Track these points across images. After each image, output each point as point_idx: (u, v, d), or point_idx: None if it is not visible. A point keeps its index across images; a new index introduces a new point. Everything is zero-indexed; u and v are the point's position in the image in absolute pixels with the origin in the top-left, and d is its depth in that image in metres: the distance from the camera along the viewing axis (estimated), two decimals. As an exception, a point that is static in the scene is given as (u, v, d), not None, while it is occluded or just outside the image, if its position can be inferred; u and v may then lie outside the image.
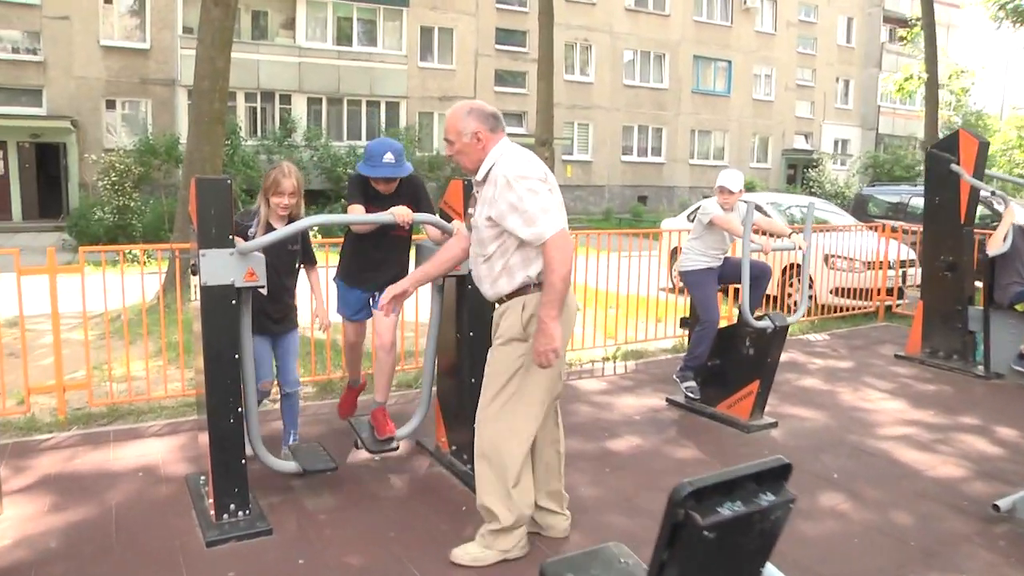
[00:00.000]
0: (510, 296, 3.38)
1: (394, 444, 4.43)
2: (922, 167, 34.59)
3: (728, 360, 5.70)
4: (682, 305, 8.72)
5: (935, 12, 20.35)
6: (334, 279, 4.64)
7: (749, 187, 32.58)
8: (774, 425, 5.58)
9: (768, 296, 7.52)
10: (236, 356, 3.53)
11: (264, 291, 3.92)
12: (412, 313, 6.70)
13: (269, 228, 4.21)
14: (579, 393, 6.30)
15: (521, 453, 3.42)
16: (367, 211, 4.23)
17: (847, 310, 9.91)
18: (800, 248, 5.56)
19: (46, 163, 24.15)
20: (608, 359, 7.52)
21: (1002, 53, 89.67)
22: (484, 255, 3.37)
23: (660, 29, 33.24)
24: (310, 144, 24.75)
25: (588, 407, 5.93)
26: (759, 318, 5.40)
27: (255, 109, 25.24)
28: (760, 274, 5.75)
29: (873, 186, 17.13)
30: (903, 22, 40.70)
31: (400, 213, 3.92)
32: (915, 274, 10.54)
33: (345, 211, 4.25)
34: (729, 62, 35.50)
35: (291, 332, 4.58)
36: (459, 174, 25.52)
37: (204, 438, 3.67)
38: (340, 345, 6.91)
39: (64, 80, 23.20)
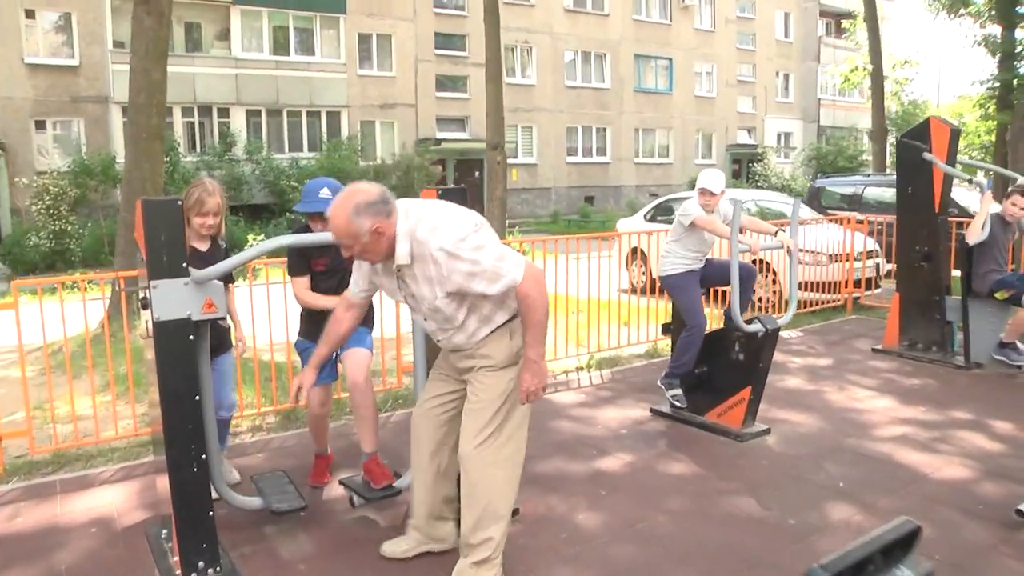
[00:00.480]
0: (490, 334, 3.21)
1: (395, 488, 4.03)
2: (864, 157, 35.23)
3: (717, 366, 5.45)
4: (652, 307, 8.53)
5: (869, 4, 20.51)
6: (296, 343, 4.33)
7: (695, 184, 32.65)
8: (767, 432, 5.34)
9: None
10: (197, 397, 3.13)
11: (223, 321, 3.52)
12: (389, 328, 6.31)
13: (193, 251, 3.96)
14: (558, 408, 5.98)
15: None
16: (315, 265, 4.13)
17: (815, 304, 9.78)
18: (788, 247, 5.33)
19: (-26, 189, 23.05)
20: (583, 368, 7.23)
21: (934, 43, 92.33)
22: (454, 326, 3.15)
23: (600, 29, 33.19)
24: (251, 158, 24.06)
25: (569, 423, 5.62)
26: (748, 321, 5.16)
27: (193, 124, 24.44)
28: (747, 276, 5.51)
29: (826, 177, 17.16)
30: (839, 16, 41.63)
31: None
32: (880, 265, 10.52)
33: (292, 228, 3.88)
34: (670, 60, 35.62)
35: (225, 354, 4.26)
36: (411, 181, 25.25)
37: (163, 482, 3.26)
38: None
39: (-12, 101, 22.18)
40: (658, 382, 5.71)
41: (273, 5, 25.07)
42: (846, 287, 9.96)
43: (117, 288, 8.11)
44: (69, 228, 18.92)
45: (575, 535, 3.83)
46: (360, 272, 3.31)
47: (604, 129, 34.07)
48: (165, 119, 9.26)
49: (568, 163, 32.97)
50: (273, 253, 3.39)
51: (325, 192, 3.98)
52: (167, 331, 3.06)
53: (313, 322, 4.10)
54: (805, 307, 9.65)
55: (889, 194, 14.38)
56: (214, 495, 3.39)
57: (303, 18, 25.87)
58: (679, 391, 5.58)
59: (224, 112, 24.74)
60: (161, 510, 3.84)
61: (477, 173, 29.89)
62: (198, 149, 24.27)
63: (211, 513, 3.27)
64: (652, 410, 5.82)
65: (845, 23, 32.60)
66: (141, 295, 3.14)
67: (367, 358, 4.11)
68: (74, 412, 5.21)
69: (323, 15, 26.12)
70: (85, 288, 5.79)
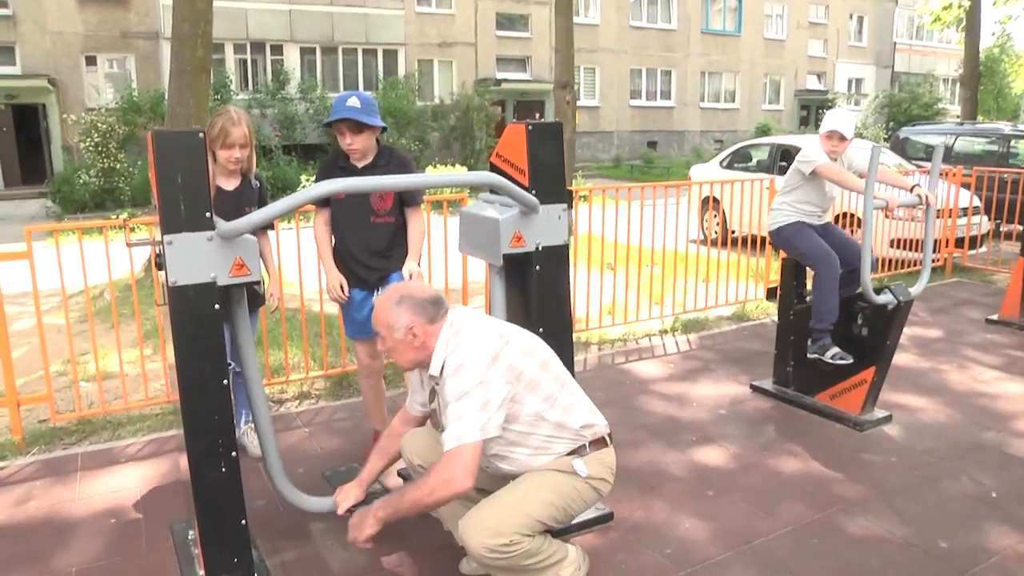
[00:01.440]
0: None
1: None
2: (941, 105, 33.24)
3: (835, 343, 4.66)
4: (733, 261, 7.70)
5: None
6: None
7: (764, 130, 31.42)
8: (888, 419, 4.58)
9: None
10: (224, 383, 2.48)
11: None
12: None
13: (218, 191, 3.48)
14: (643, 381, 5.27)
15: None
16: (333, 209, 3.65)
17: (911, 264, 8.85)
18: (928, 203, 4.47)
19: (26, 126, 22.81)
20: (666, 332, 6.49)
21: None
22: (493, 454, 2.75)
23: (667, -32, 31.71)
24: (305, 96, 23.30)
25: (660, 401, 4.90)
26: (876, 292, 4.35)
27: (245, 61, 23.82)
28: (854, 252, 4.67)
29: (912, 126, 15.92)
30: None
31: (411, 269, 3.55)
32: (980, 223, 9.51)
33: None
34: (739, 0, 33.93)
35: (256, 311, 3.83)
36: (470, 122, 24.35)
37: (185, 463, 2.65)
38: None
39: (38, 36, 21.78)
40: (808, 353, 4.79)
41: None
42: (946, 247, 9.01)
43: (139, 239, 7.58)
44: (118, 166, 18.48)
45: (682, 551, 3.15)
46: (416, 383, 2.97)
47: (669, 72, 32.79)
48: (211, 52, 8.53)
49: (631, 106, 31.82)
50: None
51: (353, 101, 3.48)
52: (185, 299, 2.40)
53: (343, 264, 3.70)
54: (900, 268, 8.74)
55: (982, 145, 13.29)
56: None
57: (358, -47, 24.91)
58: (836, 349, 4.65)
59: (277, 49, 24.04)
60: (185, 498, 3.24)
61: (538, 115, 29.02)
62: (250, 87, 23.67)
63: (243, 521, 2.65)
64: (752, 386, 5.08)
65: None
66: (156, 251, 2.48)
67: None
68: (99, 372, 4.64)
69: (376, -50, 25.14)
70: (133, 228, 5.19)
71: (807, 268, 4.87)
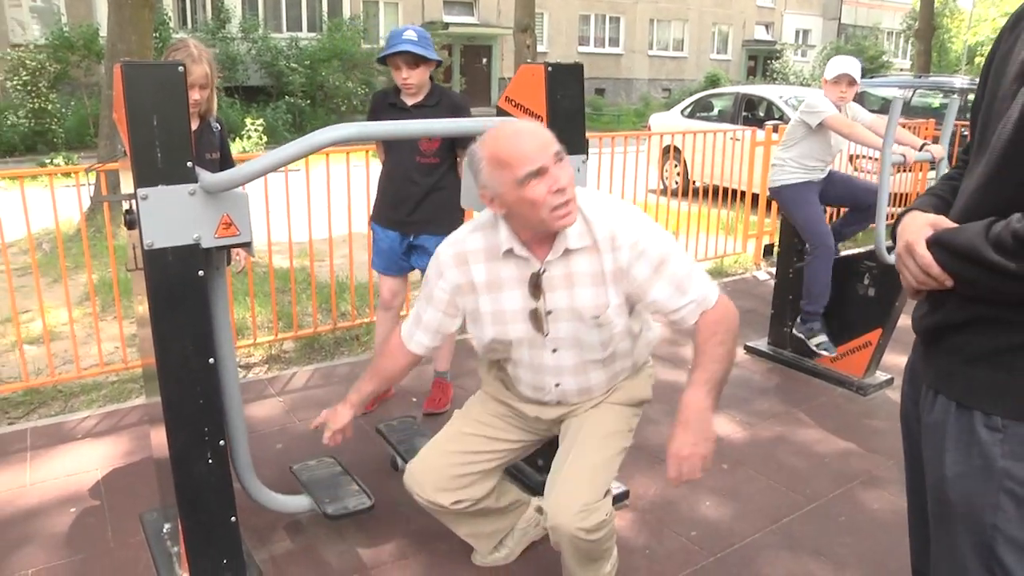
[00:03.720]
0: None
1: None
2: (886, 59, 33.79)
3: (837, 303, 4.45)
4: (703, 213, 7.44)
5: None
6: (370, 223, 3.83)
7: (713, 80, 31.26)
8: (890, 383, 4.42)
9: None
10: (211, 361, 2.12)
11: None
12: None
13: None
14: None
15: None
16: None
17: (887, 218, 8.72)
18: (938, 158, 4.26)
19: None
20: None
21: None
22: (595, 359, 2.25)
23: (619, -91, 30.98)
24: (247, 36, 22.13)
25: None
26: (889, 250, 4.13)
27: (183, -3, 22.63)
28: (873, 198, 4.45)
29: (869, 79, 15.82)
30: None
31: None
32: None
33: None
34: (690, -52, 33.50)
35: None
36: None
37: (159, 439, 2.27)
38: (322, 276, 5.54)
39: (-45, -36, 20.28)
40: (794, 331, 4.61)
41: None
42: (913, 196, 8.92)
43: (91, 182, 7.01)
44: (50, 107, 17.35)
45: (709, 534, 2.91)
46: (431, 314, 2.28)
47: (618, 19, 32.25)
48: (153, -17, 7.91)
49: (580, 53, 31.21)
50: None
51: (410, 34, 3.37)
52: (163, 264, 2.01)
53: (382, 199, 3.66)
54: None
55: (940, 99, 13.28)
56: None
57: None
58: (824, 337, 4.50)
59: (217, -15, 22.85)
60: (158, 484, 2.86)
61: (485, 60, 28.29)
62: (189, 25, 22.48)
63: (233, 518, 2.31)
64: (747, 347, 4.86)
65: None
66: (124, 207, 2.07)
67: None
68: (46, 333, 4.18)
69: None
70: (70, 174, 4.66)
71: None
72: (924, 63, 18.85)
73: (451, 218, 3.42)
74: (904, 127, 8.35)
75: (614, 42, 32.47)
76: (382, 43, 24.45)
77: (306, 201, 4.56)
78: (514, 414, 2.42)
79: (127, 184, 2.07)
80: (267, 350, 4.65)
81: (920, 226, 1.43)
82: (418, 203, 3.50)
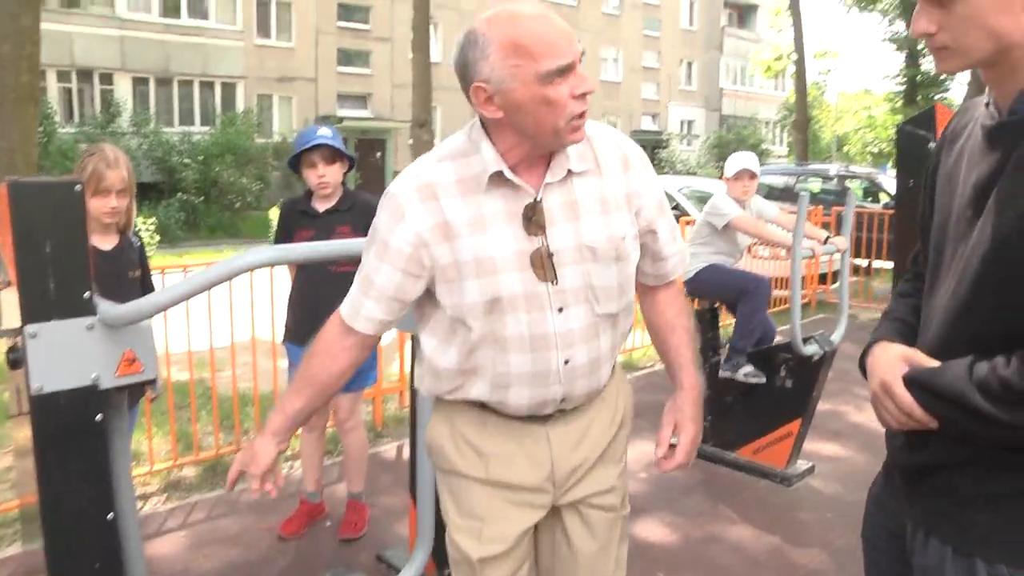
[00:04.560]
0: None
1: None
2: (765, 146, 36.00)
3: (757, 395, 4.45)
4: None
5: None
6: (283, 343, 3.57)
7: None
8: (812, 471, 4.43)
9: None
10: (109, 518, 1.87)
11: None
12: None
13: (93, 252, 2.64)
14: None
15: None
16: (297, 239, 3.26)
17: (779, 303, 9.00)
18: (842, 250, 4.39)
19: None
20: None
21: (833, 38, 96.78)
22: (610, 312, 1.72)
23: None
24: (138, 131, 21.62)
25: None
26: (804, 341, 4.18)
27: (70, 90, 21.91)
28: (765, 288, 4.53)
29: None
30: (742, 7, 41.96)
31: None
32: (837, 258, 9.89)
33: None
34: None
35: (136, 406, 3.06)
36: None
37: None
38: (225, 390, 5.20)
39: None
40: (721, 372, 4.51)
41: (163, -41, 22.80)
42: (811, 283, 9.26)
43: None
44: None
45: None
46: (386, 275, 1.66)
47: (511, 111, 33.04)
48: (39, 77, 7.59)
49: (474, 145, 31.80)
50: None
51: (324, 130, 3.29)
52: (55, 410, 1.77)
53: (298, 315, 3.44)
54: (773, 305, 8.86)
55: (820, 185, 14.06)
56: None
57: (196, -23, 23.68)
58: (751, 367, 4.40)
59: (107, 78, 22.31)
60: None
61: (379, 154, 28.44)
62: (76, 119, 21.80)
63: None
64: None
65: (765, 8, 32.73)
66: (9, 345, 1.84)
67: (359, 397, 3.66)
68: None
69: (217, -26, 24.00)
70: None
71: (718, 316, 4.70)
72: (802, 151, 20.04)
73: None
74: (792, 214, 8.81)
75: (510, 133, 33.24)
76: (276, 137, 24.43)
77: (206, 306, 4.30)
78: (503, 487, 1.76)
79: (10, 317, 1.84)
80: (165, 477, 4.27)
81: (893, 361, 1.37)
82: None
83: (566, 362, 1.66)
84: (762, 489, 4.22)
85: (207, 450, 4.49)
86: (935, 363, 1.32)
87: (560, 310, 1.64)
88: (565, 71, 1.50)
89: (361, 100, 28.30)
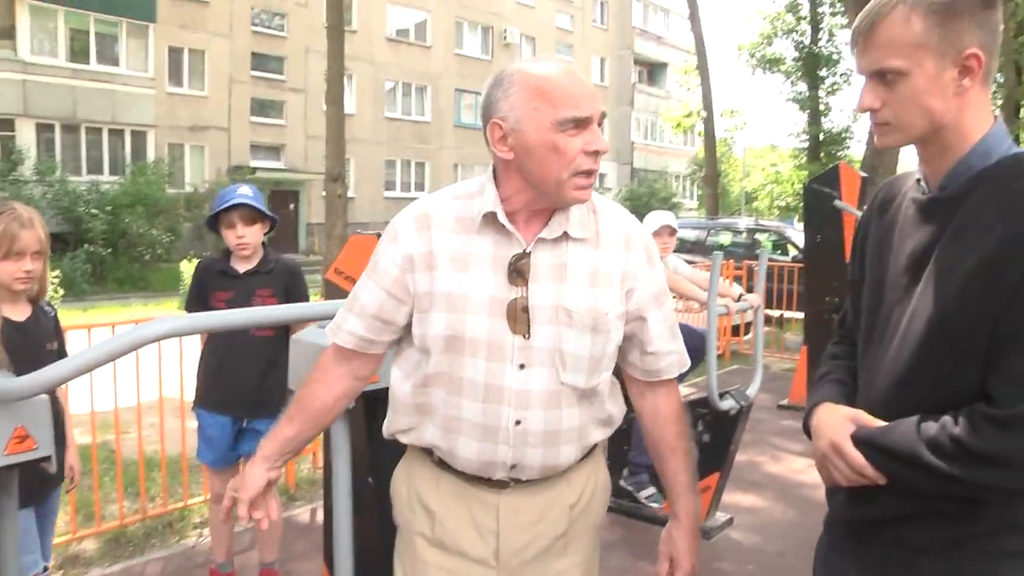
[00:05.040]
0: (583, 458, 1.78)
1: None
2: (677, 200, 37.18)
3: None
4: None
5: (685, 57, 21.13)
6: (193, 408, 3.40)
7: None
8: (731, 522, 4.49)
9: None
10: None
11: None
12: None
13: (4, 324, 2.47)
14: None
15: None
16: (214, 301, 3.20)
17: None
18: (755, 306, 4.50)
19: None
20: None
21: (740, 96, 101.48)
22: (576, 384, 1.66)
23: (422, 60, 32.40)
24: (42, 179, 20.72)
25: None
26: (720, 396, 4.25)
27: (-34, 137, 21.06)
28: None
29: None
30: (652, 64, 43.42)
31: None
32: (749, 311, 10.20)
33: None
34: (491, 96, 35.44)
35: (53, 491, 2.82)
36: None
37: None
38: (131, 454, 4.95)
39: None
40: (622, 483, 4.58)
41: (70, 4, 22.07)
42: (724, 335, 9.48)
43: None
44: None
45: None
46: (371, 293, 1.69)
47: (423, 163, 33.12)
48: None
49: (386, 197, 31.64)
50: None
51: (244, 189, 3.23)
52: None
53: (209, 381, 3.32)
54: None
55: (730, 238, 14.53)
56: None
57: (106, 23, 23.05)
58: (652, 489, 4.50)
59: (8, 124, 21.36)
60: None
61: (292, 205, 28.09)
62: (-27, 167, 20.88)
63: None
64: (586, 500, 4.78)
65: (680, 65, 33.90)
66: None
67: None
68: None
69: (130, 21, 23.39)
70: None
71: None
72: (712, 205, 20.69)
73: (283, 399, 3.18)
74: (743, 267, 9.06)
75: (420, 186, 33.05)
76: (188, 188, 23.90)
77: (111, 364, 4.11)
78: (445, 550, 1.72)
79: None
80: (62, 552, 4.00)
81: (841, 422, 1.44)
82: (256, 383, 3.20)
83: (517, 422, 1.62)
84: (682, 543, 4.24)
85: (110, 520, 4.25)
86: (881, 423, 1.39)
87: (522, 367, 1.61)
88: (581, 123, 1.53)
89: (274, 151, 27.99)
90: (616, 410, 1.78)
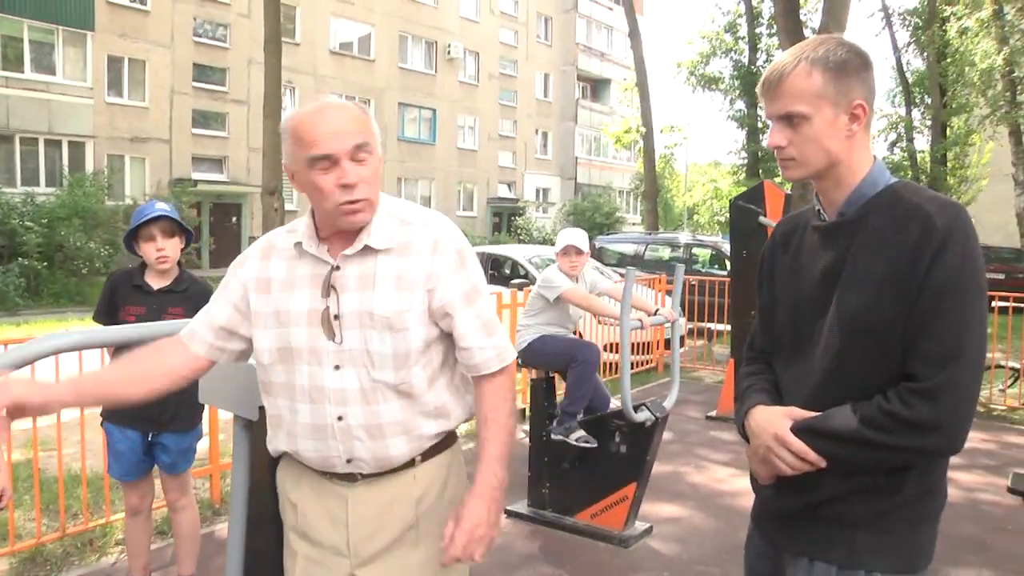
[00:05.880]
0: (429, 454, 1.92)
1: None
2: (620, 215, 37.65)
3: (592, 461, 4.61)
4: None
5: (628, 74, 21.48)
6: (101, 423, 3.41)
7: (463, 236, 32.45)
8: (650, 531, 4.61)
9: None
10: None
11: None
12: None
13: None
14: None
15: None
16: (124, 315, 3.21)
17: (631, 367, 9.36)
18: (671, 320, 4.66)
19: None
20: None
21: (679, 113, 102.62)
22: (387, 381, 1.82)
23: (365, 74, 32.29)
24: (-26, 191, 20.22)
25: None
26: (635, 408, 4.39)
27: None
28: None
29: (607, 235, 17.33)
30: (595, 81, 43.91)
31: None
32: (682, 324, 10.41)
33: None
34: (434, 111, 35.38)
35: None
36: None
37: None
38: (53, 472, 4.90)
39: None
40: (552, 435, 4.64)
41: (2, 10, 21.53)
42: (657, 348, 9.68)
43: None
44: None
45: None
46: (220, 306, 1.92)
47: (367, 177, 32.94)
48: None
49: (329, 211, 31.46)
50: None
51: (162, 204, 3.28)
52: None
53: None
54: (615, 371, 9.18)
55: (668, 253, 14.82)
56: None
57: (41, 30, 22.50)
58: (582, 432, 4.55)
59: (-63, 133, 20.84)
60: None
61: (235, 218, 27.75)
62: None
63: None
64: (507, 511, 4.87)
65: (624, 82, 34.30)
66: None
67: (186, 477, 3.54)
68: None
69: (66, 30, 22.87)
70: None
71: (554, 386, 4.87)
72: (652, 221, 21.05)
73: (192, 415, 3.23)
74: (651, 283, 9.24)
75: (363, 200, 33.04)
76: (128, 200, 23.43)
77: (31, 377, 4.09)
78: (306, 539, 1.93)
79: None
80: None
81: (778, 417, 1.65)
82: (164, 399, 3.19)
83: (339, 419, 1.80)
84: (601, 552, 4.35)
85: (27, 538, 4.19)
86: (815, 414, 1.61)
87: (336, 367, 1.80)
88: (328, 160, 1.71)
89: (217, 163, 27.62)
90: (450, 399, 1.91)
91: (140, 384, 1.88)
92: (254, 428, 2.18)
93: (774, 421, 1.64)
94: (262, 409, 2.03)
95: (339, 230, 1.80)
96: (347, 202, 1.72)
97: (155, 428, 3.27)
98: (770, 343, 1.82)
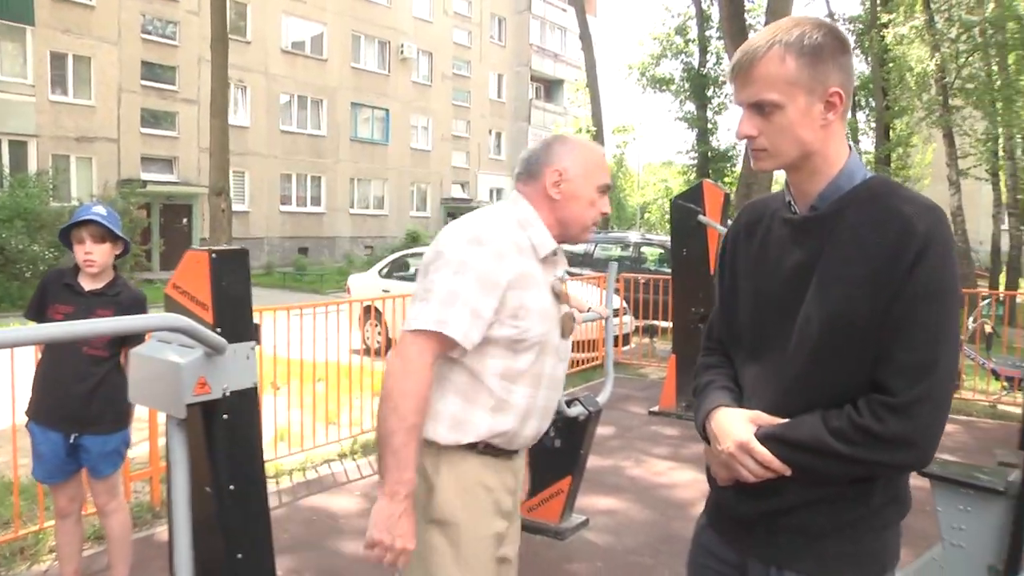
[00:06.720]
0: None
1: None
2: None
3: (528, 455, 4.68)
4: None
5: (581, 75, 21.62)
6: (26, 424, 3.35)
7: (413, 236, 32.49)
8: (586, 523, 4.73)
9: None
10: None
11: None
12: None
13: None
14: (332, 516, 4.89)
15: None
16: (52, 312, 3.20)
17: (576, 364, 9.50)
18: (603, 316, 4.76)
19: None
20: (345, 456, 6.13)
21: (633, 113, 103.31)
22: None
23: (318, 74, 32.00)
24: (-94, 192, 19.63)
25: (353, 540, 4.46)
26: (567, 403, 4.49)
27: None
28: None
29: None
30: (548, 81, 44.12)
31: None
32: (629, 322, 10.59)
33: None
34: (387, 111, 35.18)
35: None
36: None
37: None
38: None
39: None
40: None
41: (-64, 4, 21.00)
42: (603, 346, 9.82)
43: None
44: None
45: None
46: (489, 304, 2.01)
47: (319, 178, 32.50)
48: None
49: (282, 212, 31.01)
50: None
51: (99, 208, 3.28)
52: None
53: (41, 393, 3.30)
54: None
55: (618, 251, 14.97)
56: None
57: (-24, 24, 21.88)
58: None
59: None
60: None
61: (185, 220, 27.32)
62: None
63: None
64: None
65: (570, 84, 34.59)
66: None
67: (116, 479, 3.48)
68: None
69: (4, 24, 22.24)
70: None
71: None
72: (604, 219, 21.25)
73: (116, 417, 3.24)
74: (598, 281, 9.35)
75: (316, 201, 32.50)
76: (74, 201, 22.88)
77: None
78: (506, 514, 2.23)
79: None
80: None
81: (742, 423, 1.58)
82: (87, 399, 3.19)
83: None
84: (537, 544, 4.44)
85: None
86: (780, 420, 1.55)
87: (561, 361, 2.23)
88: (606, 191, 2.19)
89: (167, 164, 27.12)
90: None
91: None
92: (189, 425, 2.21)
93: (738, 426, 1.57)
94: (193, 407, 2.08)
95: (562, 240, 2.17)
96: (592, 226, 2.19)
97: (77, 429, 3.23)
98: (729, 335, 1.74)
